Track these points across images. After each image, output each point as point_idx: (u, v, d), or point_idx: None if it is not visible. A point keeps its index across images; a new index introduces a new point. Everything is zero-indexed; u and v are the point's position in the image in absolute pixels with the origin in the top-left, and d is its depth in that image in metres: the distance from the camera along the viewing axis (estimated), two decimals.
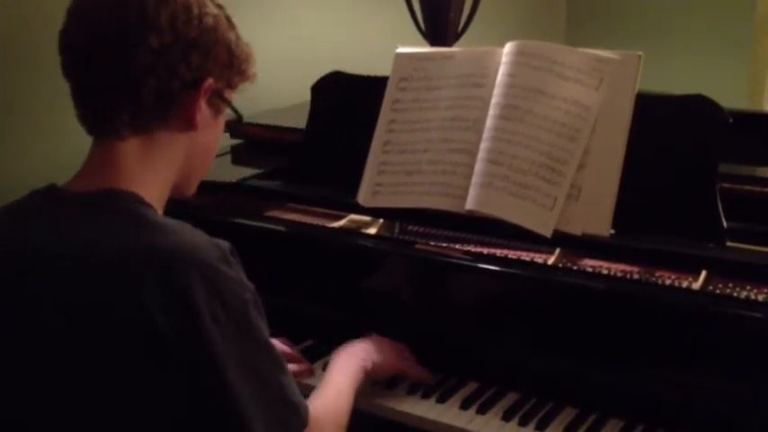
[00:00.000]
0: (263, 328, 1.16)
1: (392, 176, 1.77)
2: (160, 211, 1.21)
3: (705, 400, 1.45)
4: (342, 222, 1.87)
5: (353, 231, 1.84)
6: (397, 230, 1.85)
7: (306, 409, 1.21)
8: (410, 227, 1.84)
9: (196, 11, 1.19)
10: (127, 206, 1.16)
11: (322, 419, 1.29)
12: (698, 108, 1.60)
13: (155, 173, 1.21)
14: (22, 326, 1.12)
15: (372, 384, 1.59)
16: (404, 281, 1.74)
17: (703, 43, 3.45)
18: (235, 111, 1.31)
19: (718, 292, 1.50)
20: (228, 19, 1.25)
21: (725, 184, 1.59)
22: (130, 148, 1.19)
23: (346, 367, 1.51)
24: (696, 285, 1.52)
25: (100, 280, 1.09)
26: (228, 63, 1.24)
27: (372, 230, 1.82)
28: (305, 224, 1.86)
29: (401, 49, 1.86)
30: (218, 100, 1.25)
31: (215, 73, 1.22)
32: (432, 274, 1.69)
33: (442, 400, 1.58)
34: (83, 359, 1.09)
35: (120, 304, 1.07)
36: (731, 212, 1.55)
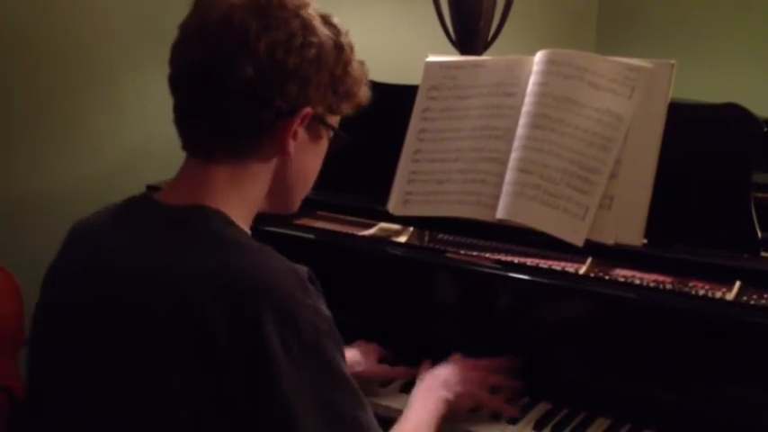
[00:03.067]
0: (340, 359, 1.09)
1: (422, 185, 1.77)
2: (246, 228, 1.19)
3: (740, 411, 1.43)
4: (372, 231, 1.87)
5: (383, 240, 1.83)
6: (427, 239, 1.85)
7: None
8: (440, 236, 1.84)
9: (300, 40, 1.13)
10: (211, 224, 1.13)
11: None
12: (732, 116, 1.59)
13: (243, 195, 1.18)
14: (95, 339, 1.11)
15: None
16: (434, 290, 1.73)
17: (737, 51, 3.40)
18: (339, 135, 1.26)
19: (752, 302, 1.48)
20: (338, 43, 1.19)
21: (759, 194, 1.58)
22: (220, 171, 1.16)
23: (426, 401, 1.44)
24: (730, 296, 1.50)
25: (171, 299, 1.06)
26: (333, 89, 1.19)
27: (402, 239, 1.82)
28: (335, 232, 1.87)
29: (431, 58, 1.85)
30: (319, 125, 1.21)
31: (315, 100, 1.17)
32: (462, 283, 1.68)
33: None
34: (146, 381, 1.06)
35: (187, 323, 1.04)
36: (766, 222, 1.53)
